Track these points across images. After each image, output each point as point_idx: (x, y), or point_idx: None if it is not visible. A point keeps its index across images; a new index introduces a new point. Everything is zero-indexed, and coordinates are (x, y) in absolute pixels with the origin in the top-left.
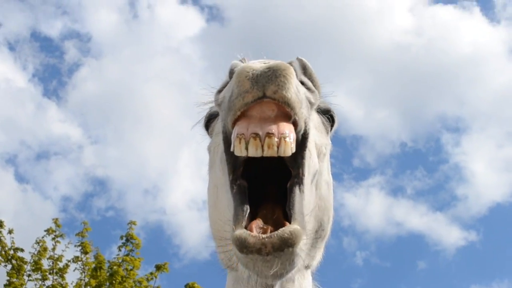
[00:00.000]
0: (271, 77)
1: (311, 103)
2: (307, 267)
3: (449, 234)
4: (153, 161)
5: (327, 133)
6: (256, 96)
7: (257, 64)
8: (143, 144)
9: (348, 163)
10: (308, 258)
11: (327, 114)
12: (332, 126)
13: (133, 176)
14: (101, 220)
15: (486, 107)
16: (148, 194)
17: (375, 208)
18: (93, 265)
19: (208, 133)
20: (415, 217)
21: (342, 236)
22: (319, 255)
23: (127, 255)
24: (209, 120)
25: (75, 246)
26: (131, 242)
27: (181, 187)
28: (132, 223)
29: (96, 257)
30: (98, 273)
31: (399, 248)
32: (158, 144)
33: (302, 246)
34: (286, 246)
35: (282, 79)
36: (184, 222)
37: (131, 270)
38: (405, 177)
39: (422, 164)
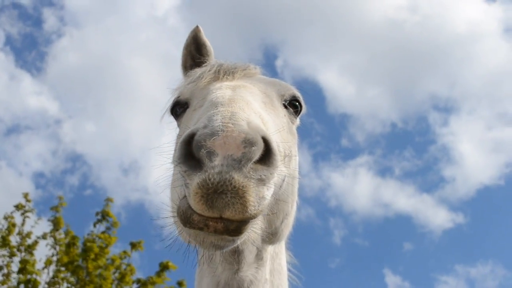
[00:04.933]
0: (229, 204)
1: (264, 181)
2: (269, 241)
3: (436, 216)
4: (135, 138)
5: (293, 123)
6: (211, 216)
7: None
8: (125, 120)
9: (336, 142)
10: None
11: (293, 101)
12: (299, 111)
13: (114, 153)
14: (79, 198)
15: (478, 88)
16: (130, 172)
17: (363, 189)
18: (66, 241)
19: (176, 121)
20: (403, 198)
21: (329, 216)
22: (284, 229)
23: (103, 232)
24: (176, 106)
25: (48, 220)
26: (107, 220)
27: (165, 164)
28: (109, 200)
29: (66, 233)
30: (71, 249)
31: (386, 229)
32: (141, 120)
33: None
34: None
35: (240, 207)
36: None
37: (105, 247)
38: (393, 158)
39: (410, 144)
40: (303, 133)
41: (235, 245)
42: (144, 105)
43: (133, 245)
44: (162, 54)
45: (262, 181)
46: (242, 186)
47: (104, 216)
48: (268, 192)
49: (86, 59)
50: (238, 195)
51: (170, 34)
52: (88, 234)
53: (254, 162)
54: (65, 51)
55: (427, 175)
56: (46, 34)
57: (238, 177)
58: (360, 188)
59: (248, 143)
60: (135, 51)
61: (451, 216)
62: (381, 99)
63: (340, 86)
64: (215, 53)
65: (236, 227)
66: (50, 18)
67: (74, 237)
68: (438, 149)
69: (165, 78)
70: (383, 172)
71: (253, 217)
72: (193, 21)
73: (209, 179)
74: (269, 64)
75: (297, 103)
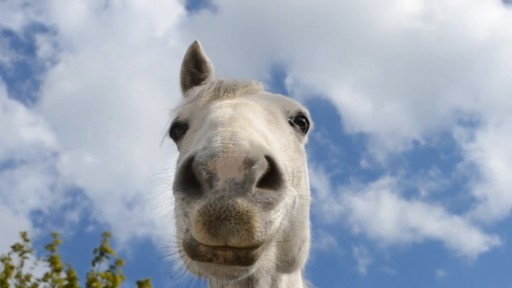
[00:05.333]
0: (233, 230)
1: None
2: (285, 270)
3: (469, 239)
4: (139, 168)
5: (301, 141)
6: (214, 247)
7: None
8: (127, 149)
9: (355, 164)
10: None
11: (299, 118)
12: (307, 128)
13: (116, 186)
14: (81, 236)
15: (504, 97)
16: (134, 205)
17: (387, 213)
18: (65, 282)
19: (176, 144)
20: (431, 222)
21: (352, 245)
22: (302, 256)
23: (108, 271)
24: (174, 128)
25: (43, 260)
26: (107, 256)
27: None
28: (107, 234)
29: (68, 273)
30: None
31: (416, 256)
32: (145, 148)
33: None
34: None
35: (245, 233)
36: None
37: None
38: (418, 178)
39: (436, 162)
40: (319, 155)
41: (249, 273)
42: (147, 133)
43: (140, 284)
44: (164, 77)
45: (269, 205)
46: (247, 211)
47: (102, 252)
48: (276, 216)
49: (84, 86)
50: (242, 220)
51: (172, 56)
52: (88, 274)
53: (259, 184)
54: (61, 79)
55: (457, 195)
56: (40, 62)
57: (242, 202)
58: (384, 212)
59: (250, 163)
60: (135, 75)
61: (485, 238)
62: (400, 115)
63: (356, 103)
64: (218, 72)
65: (247, 255)
66: (43, 45)
67: (73, 278)
68: (466, 166)
69: (169, 103)
70: (408, 194)
71: (261, 243)
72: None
73: (211, 205)
74: (278, 83)
75: (303, 120)
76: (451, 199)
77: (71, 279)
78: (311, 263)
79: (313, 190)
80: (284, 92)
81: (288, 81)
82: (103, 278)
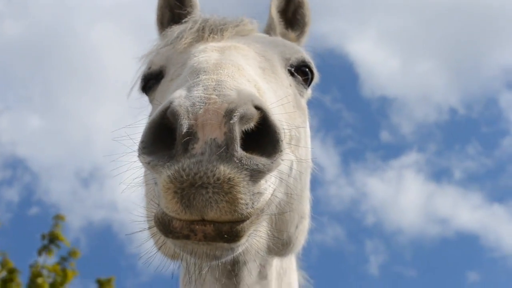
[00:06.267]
0: (210, 201)
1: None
2: (279, 253)
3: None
4: (99, 136)
5: (302, 95)
6: (190, 221)
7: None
8: (84, 112)
9: (373, 136)
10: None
11: (302, 67)
12: (310, 80)
13: (68, 157)
14: (22, 219)
15: None
16: (91, 183)
17: (411, 199)
18: (2, 275)
19: (148, 96)
20: (466, 211)
21: (364, 238)
22: (299, 236)
23: (57, 264)
24: (147, 82)
25: None
26: (57, 245)
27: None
28: (59, 218)
29: (3, 265)
30: (9, 287)
31: (443, 254)
32: (108, 111)
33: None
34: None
35: (226, 205)
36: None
37: (60, 285)
38: (452, 156)
39: (476, 137)
40: (328, 123)
41: (235, 253)
42: (111, 92)
43: (101, 284)
44: (135, 20)
45: (258, 173)
46: (229, 179)
47: (52, 239)
48: (267, 185)
49: (30, 29)
50: (222, 190)
51: None
52: (31, 266)
53: (248, 147)
54: (1, 19)
55: (499, 178)
56: None
57: (224, 168)
58: (407, 198)
59: (232, 112)
60: (97, 17)
61: None
62: (435, 76)
63: (378, 59)
64: (205, 8)
65: (231, 229)
66: None
67: (13, 270)
68: None
69: (141, 52)
70: (439, 175)
71: (247, 218)
72: None
73: (184, 170)
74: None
75: (307, 69)
76: (492, 183)
77: (9, 271)
78: (311, 258)
79: (320, 169)
80: None
81: None
82: (50, 271)
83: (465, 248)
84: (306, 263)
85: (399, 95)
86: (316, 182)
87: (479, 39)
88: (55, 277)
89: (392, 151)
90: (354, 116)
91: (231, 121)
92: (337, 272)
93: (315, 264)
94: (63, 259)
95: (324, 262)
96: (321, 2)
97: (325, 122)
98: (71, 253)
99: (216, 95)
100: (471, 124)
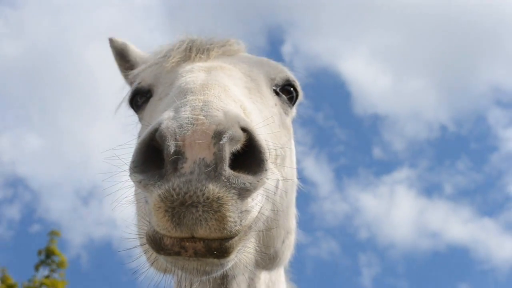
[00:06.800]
0: (200, 220)
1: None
2: (266, 266)
3: (501, 247)
4: (98, 154)
5: (287, 114)
6: (180, 238)
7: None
8: (82, 130)
9: (366, 152)
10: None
11: (286, 86)
12: (295, 99)
13: (69, 176)
14: (23, 236)
15: None
16: (91, 200)
17: (403, 214)
18: None
19: (137, 115)
20: (457, 225)
21: (358, 252)
22: (285, 251)
23: (47, 276)
24: (136, 95)
25: None
26: (53, 260)
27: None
28: (54, 233)
29: (3, 280)
30: None
31: (435, 266)
32: (106, 130)
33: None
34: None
35: (215, 224)
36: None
37: None
38: (443, 171)
39: (466, 153)
40: (322, 141)
41: (225, 269)
42: (108, 110)
43: None
44: (129, 40)
45: (246, 191)
46: (218, 198)
47: (48, 255)
48: (254, 203)
49: (28, 49)
50: (212, 208)
51: (140, 14)
52: (29, 280)
53: (235, 166)
54: None
55: (489, 192)
56: None
57: (213, 187)
58: (399, 212)
59: (221, 134)
60: (93, 37)
61: None
62: (425, 93)
63: (370, 77)
64: (193, 29)
65: (220, 246)
66: None
67: (12, 286)
68: (502, 158)
69: None
70: (430, 190)
71: (235, 235)
72: None
73: (174, 189)
74: (274, 51)
75: (291, 89)
76: (482, 197)
77: (8, 287)
78: (306, 271)
79: (313, 185)
80: (280, 62)
81: (287, 48)
82: (48, 286)
83: (456, 260)
84: (299, 276)
85: (391, 113)
86: (310, 198)
87: (468, 57)
88: None
89: (384, 167)
90: (347, 133)
91: (221, 142)
92: (332, 284)
93: (311, 276)
94: (52, 271)
95: (320, 275)
96: (314, 21)
97: (318, 139)
98: (59, 264)
99: (203, 116)
100: (461, 141)
